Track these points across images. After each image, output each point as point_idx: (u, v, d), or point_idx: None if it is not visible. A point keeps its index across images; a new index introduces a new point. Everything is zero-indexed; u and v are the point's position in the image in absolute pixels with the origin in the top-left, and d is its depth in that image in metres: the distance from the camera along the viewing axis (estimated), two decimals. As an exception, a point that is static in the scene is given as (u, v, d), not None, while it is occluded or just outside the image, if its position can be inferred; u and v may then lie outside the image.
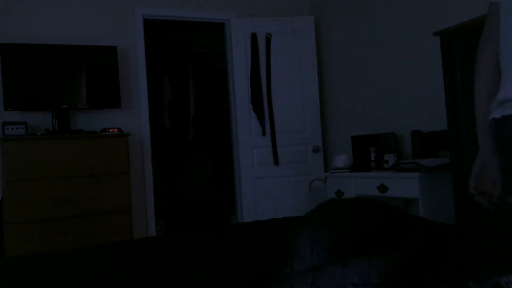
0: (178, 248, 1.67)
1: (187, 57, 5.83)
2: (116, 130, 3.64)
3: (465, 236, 1.28)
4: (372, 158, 3.61)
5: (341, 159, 3.82)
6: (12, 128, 3.37)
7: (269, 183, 4.33)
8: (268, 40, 4.35)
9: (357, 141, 3.89)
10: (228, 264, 1.36)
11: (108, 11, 3.99)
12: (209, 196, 6.03)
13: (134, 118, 4.04)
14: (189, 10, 4.29)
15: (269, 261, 1.28)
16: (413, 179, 2.97)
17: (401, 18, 3.66)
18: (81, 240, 3.32)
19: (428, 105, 3.39)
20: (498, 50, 1.21)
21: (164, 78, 5.62)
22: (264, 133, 4.32)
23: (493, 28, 1.25)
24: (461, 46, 2.59)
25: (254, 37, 4.33)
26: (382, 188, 3.18)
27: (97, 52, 3.75)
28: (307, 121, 4.40)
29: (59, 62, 3.62)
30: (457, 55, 2.62)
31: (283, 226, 1.77)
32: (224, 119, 5.73)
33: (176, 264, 1.43)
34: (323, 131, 4.53)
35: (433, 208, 2.89)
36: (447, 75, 2.68)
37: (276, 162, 4.33)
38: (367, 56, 4.03)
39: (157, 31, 5.68)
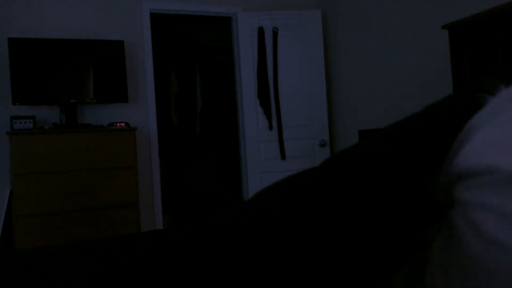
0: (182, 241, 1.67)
1: (194, 51, 5.84)
2: (123, 124, 3.65)
3: None
4: (379, 153, 3.59)
5: (348, 154, 3.81)
6: (20, 122, 3.40)
7: (275, 178, 4.33)
8: (275, 34, 4.33)
9: (365, 136, 3.87)
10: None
11: (115, 5, 3.99)
12: (216, 190, 6.05)
13: (141, 112, 4.05)
14: (195, 4, 4.29)
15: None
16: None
17: (409, 11, 3.63)
18: (89, 233, 3.35)
19: (436, 99, 3.37)
20: None
21: (171, 72, 5.63)
22: (271, 127, 4.32)
23: None
24: (471, 40, 2.57)
25: (261, 31, 4.32)
26: (389, 182, 3.17)
27: (104, 46, 3.76)
28: (314, 115, 4.39)
29: (67, 57, 3.64)
30: (466, 48, 2.60)
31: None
32: (231, 113, 5.74)
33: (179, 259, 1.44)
34: (330, 125, 4.52)
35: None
36: (455, 69, 2.66)
37: (283, 156, 4.33)
38: (374, 49, 4.00)
39: (164, 25, 5.68)
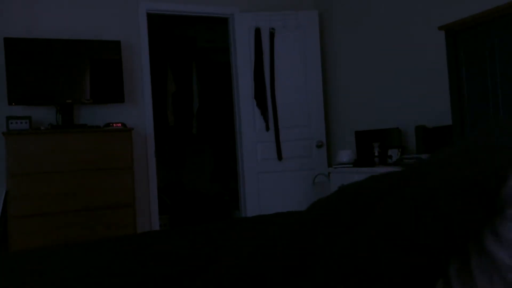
0: (178, 242, 1.67)
1: (191, 52, 5.83)
2: (119, 124, 3.64)
3: None
4: (376, 153, 3.60)
5: (345, 154, 3.82)
6: (16, 123, 3.38)
7: (272, 178, 4.33)
8: (271, 34, 4.33)
9: (361, 136, 3.88)
10: (228, 259, 1.36)
11: (112, 5, 3.98)
12: (213, 191, 6.04)
13: (138, 112, 4.04)
14: (192, 4, 4.28)
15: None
16: (417, 174, 2.95)
17: (406, 12, 3.64)
18: (85, 234, 3.34)
19: (432, 100, 3.38)
20: None
21: (167, 72, 5.62)
22: (267, 128, 4.32)
23: None
24: (466, 41, 2.57)
25: (257, 31, 4.32)
26: (386, 183, 3.17)
27: (101, 46, 3.75)
28: (311, 116, 4.40)
29: (63, 57, 3.63)
30: (462, 49, 2.61)
31: (286, 220, 1.77)
32: (228, 114, 5.73)
33: (174, 258, 1.43)
34: (326, 126, 4.52)
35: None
36: (452, 70, 2.67)
37: (280, 157, 4.33)
38: (371, 50, 4.01)
39: (161, 26, 5.67)
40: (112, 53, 3.77)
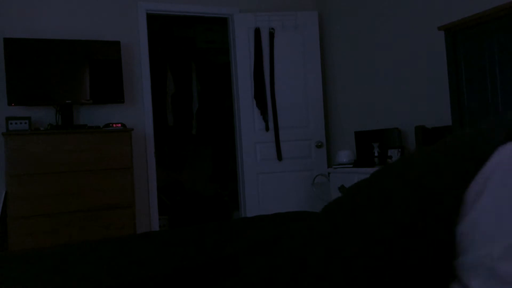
0: (178, 242, 1.67)
1: (190, 52, 5.83)
2: (119, 125, 3.64)
3: None
4: (376, 154, 3.60)
5: (345, 155, 3.82)
6: (16, 123, 3.38)
7: (272, 179, 4.33)
8: (271, 35, 4.33)
9: (361, 137, 3.88)
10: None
11: (111, 6, 3.98)
12: (212, 192, 6.03)
13: (138, 113, 4.04)
14: (192, 5, 4.28)
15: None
16: (417, 174, 2.95)
17: (405, 12, 3.64)
18: (85, 234, 3.33)
19: (432, 100, 3.38)
20: None
21: (167, 73, 5.62)
22: (267, 129, 4.32)
23: None
24: (466, 41, 2.57)
25: (257, 32, 4.32)
26: (386, 183, 3.17)
27: (100, 47, 3.74)
28: (311, 117, 4.39)
29: (62, 57, 3.62)
30: (462, 49, 2.60)
31: (287, 220, 1.77)
32: (228, 115, 5.73)
33: (172, 259, 1.43)
34: (326, 127, 4.52)
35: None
36: (451, 70, 2.66)
37: (279, 157, 4.33)
38: (371, 50, 4.01)
39: (161, 26, 5.67)
40: (111, 54, 3.77)
